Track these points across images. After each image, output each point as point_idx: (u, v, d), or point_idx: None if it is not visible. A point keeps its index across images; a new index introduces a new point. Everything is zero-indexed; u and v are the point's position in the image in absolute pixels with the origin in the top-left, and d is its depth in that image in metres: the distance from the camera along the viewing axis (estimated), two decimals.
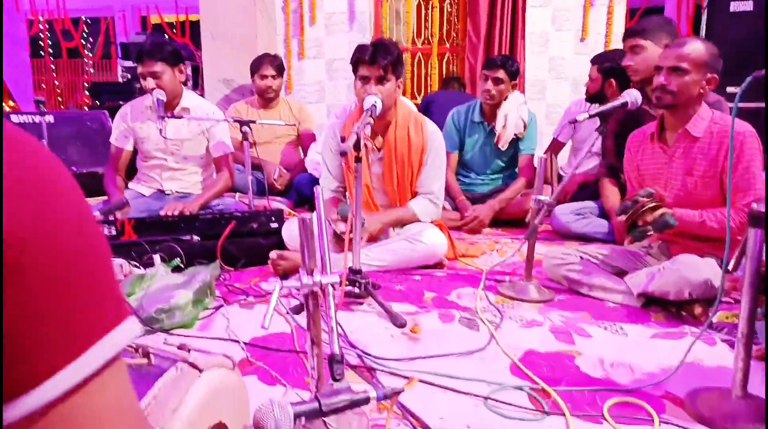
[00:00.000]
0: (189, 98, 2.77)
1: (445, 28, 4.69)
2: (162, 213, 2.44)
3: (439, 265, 2.32)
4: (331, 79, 4.54)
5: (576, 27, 4.20)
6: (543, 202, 1.87)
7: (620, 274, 2.00)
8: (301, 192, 3.32)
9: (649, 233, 1.66)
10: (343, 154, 1.52)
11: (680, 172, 1.86)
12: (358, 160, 1.68)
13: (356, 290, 1.81)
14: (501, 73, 2.98)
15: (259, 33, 3.94)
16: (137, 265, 2.15)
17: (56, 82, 9.48)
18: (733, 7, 5.06)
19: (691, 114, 1.81)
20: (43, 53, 9.09)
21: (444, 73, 4.61)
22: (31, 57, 8.64)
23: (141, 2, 8.61)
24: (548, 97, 4.32)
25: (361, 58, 2.07)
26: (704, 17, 5.33)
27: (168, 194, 2.82)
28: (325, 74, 4.55)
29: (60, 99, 9.37)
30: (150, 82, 2.58)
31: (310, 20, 4.39)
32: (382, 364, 1.44)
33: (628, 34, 2.37)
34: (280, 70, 3.49)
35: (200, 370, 0.80)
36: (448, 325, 1.72)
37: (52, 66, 9.41)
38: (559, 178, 3.31)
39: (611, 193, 2.43)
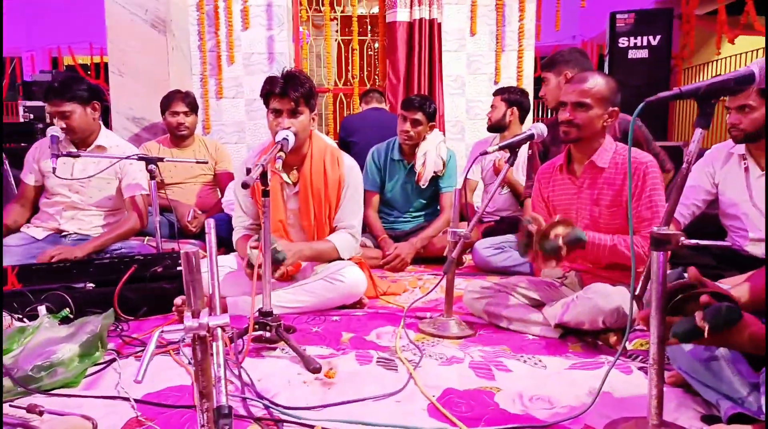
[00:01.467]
0: (105, 137, 2.65)
1: (365, 70, 4.76)
2: (42, 258, 2.22)
3: (359, 305, 2.23)
4: (251, 119, 4.45)
5: (489, 71, 4.38)
6: (459, 234, 1.84)
7: (538, 305, 1.99)
8: (218, 234, 3.15)
9: (559, 245, 1.64)
10: (245, 186, 1.42)
11: (588, 202, 1.90)
12: (265, 193, 1.59)
13: (267, 334, 1.68)
14: (419, 115, 3.02)
15: (171, 71, 3.80)
16: (20, 317, 1.92)
17: None
18: (631, 54, 5.52)
19: (596, 146, 1.87)
20: None
21: None
22: None
23: (52, 42, 8.21)
24: (467, 137, 4.44)
25: (271, 90, 2.00)
26: (606, 64, 5.77)
27: (64, 236, 2.58)
28: (245, 114, 4.45)
29: None
30: (60, 123, 2.45)
31: (228, 60, 4.31)
32: (291, 414, 1.32)
33: (541, 67, 2.55)
34: (192, 106, 3.36)
35: None
36: (366, 366, 1.62)
37: None
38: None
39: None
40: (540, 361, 1.65)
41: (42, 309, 1.89)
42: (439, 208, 3.24)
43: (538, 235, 1.65)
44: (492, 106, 3.38)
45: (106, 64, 8.19)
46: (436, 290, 2.21)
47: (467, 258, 3.10)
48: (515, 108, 3.31)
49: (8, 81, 8.52)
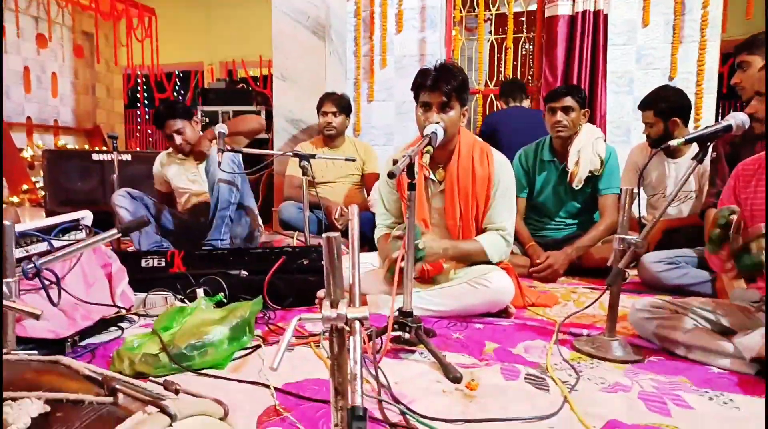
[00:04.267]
0: None
1: (519, 70, 4.54)
2: None
3: (504, 314, 2.06)
4: (400, 122, 4.47)
5: (663, 65, 3.90)
6: (629, 242, 1.59)
7: (726, 333, 1.66)
8: (362, 232, 3.18)
9: (763, 261, 1.31)
10: (391, 176, 1.34)
11: None
12: (411, 187, 1.51)
13: (406, 335, 1.60)
14: (569, 100, 2.74)
15: (328, 75, 3.95)
16: (182, 298, 2.07)
17: (149, 131, 10.18)
18: None
19: None
20: (138, 104, 9.82)
21: None
22: (126, 107, 9.38)
23: (228, 57, 9.16)
24: (633, 140, 4.00)
25: (422, 83, 1.93)
26: None
27: None
28: (395, 117, 4.49)
29: (151, 149, 10.02)
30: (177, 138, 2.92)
31: (381, 63, 4.38)
32: (429, 424, 1.21)
33: (738, 49, 2.13)
34: (342, 108, 3.44)
35: (171, 417, 0.62)
36: (512, 382, 1.46)
37: (146, 116, 10.14)
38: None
39: None
40: (731, 400, 1.35)
41: (200, 291, 2.01)
42: (594, 216, 2.93)
43: (737, 246, 1.35)
44: (647, 123, 2.80)
45: (272, 75, 8.94)
46: (594, 306, 1.96)
47: (631, 273, 2.75)
48: (676, 119, 2.71)
49: (192, 91, 9.65)
